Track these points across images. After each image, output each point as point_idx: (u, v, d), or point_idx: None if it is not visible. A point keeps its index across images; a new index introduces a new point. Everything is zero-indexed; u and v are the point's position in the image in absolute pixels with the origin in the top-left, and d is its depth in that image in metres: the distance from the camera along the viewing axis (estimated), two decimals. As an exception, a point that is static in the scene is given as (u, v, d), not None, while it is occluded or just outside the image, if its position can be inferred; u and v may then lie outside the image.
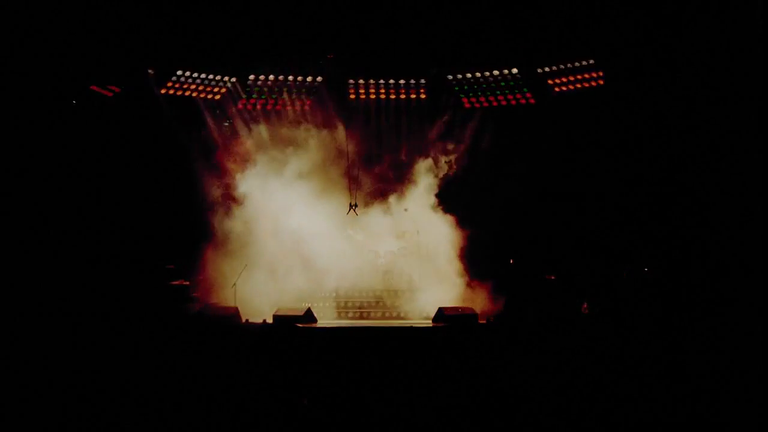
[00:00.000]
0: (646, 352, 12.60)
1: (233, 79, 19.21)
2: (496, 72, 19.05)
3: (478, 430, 9.46)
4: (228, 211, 18.51)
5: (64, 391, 10.32)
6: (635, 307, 16.27)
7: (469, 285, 18.39)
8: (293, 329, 15.23)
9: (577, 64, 18.34)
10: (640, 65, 17.30)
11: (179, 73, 18.71)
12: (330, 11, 16.62)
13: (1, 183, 15.65)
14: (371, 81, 19.65)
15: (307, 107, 19.72)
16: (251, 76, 19.28)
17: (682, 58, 16.40)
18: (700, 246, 16.28)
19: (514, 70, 18.99)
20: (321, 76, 19.38)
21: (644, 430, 9.25)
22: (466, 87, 19.55)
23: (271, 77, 19.39)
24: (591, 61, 18.28)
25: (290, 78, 19.46)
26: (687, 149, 16.93)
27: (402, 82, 19.60)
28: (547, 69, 18.71)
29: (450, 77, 19.46)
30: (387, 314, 18.12)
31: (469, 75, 19.36)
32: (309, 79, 19.44)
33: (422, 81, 19.60)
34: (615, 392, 10.87)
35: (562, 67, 18.53)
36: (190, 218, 18.32)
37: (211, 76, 19.03)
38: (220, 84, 19.20)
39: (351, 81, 19.62)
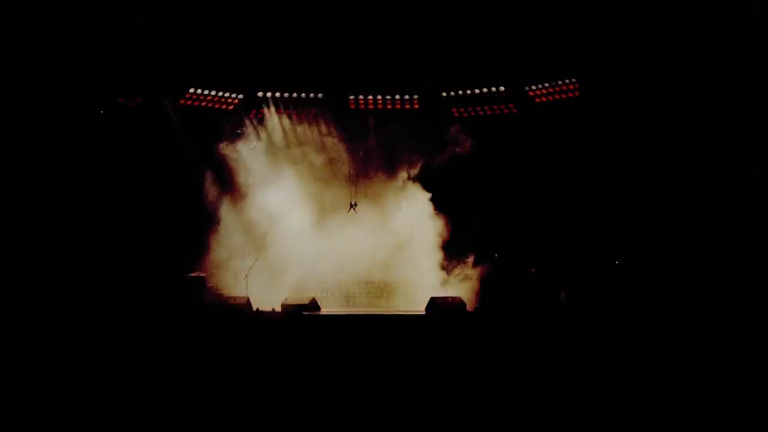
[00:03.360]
0: (617, 339, 12.72)
1: (240, 96, 20.00)
2: (485, 89, 19.87)
3: (466, 414, 9.25)
4: (240, 209, 18.92)
5: (89, 379, 9.99)
6: (605, 296, 16.88)
7: (458, 276, 19.01)
8: (300, 317, 15.72)
9: (559, 82, 19.10)
10: (614, 77, 17.86)
11: (191, 90, 19.42)
12: (330, 35, 17.47)
13: (34, 183, 15.88)
14: (369, 95, 20.46)
15: (311, 115, 20.39)
16: (259, 93, 20.23)
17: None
18: (668, 241, 16.83)
19: (501, 88, 19.86)
20: (322, 93, 20.17)
21: (626, 415, 8.89)
22: (455, 99, 20.27)
23: (277, 94, 20.31)
24: (573, 80, 18.97)
25: (294, 95, 20.36)
26: (660, 146, 17.37)
27: (397, 95, 20.29)
28: (532, 87, 19.48)
29: (443, 93, 20.20)
30: (383, 303, 18.73)
31: (460, 92, 20.13)
32: (312, 95, 20.23)
33: (415, 95, 20.45)
34: (591, 376, 10.76)
35: (546, 84, 19.29)
36: (205, 215, 18.70)
37: (221, 93, 19.80)
38: (231, 97, 19.95)
39: (351, 96, 20.46)
